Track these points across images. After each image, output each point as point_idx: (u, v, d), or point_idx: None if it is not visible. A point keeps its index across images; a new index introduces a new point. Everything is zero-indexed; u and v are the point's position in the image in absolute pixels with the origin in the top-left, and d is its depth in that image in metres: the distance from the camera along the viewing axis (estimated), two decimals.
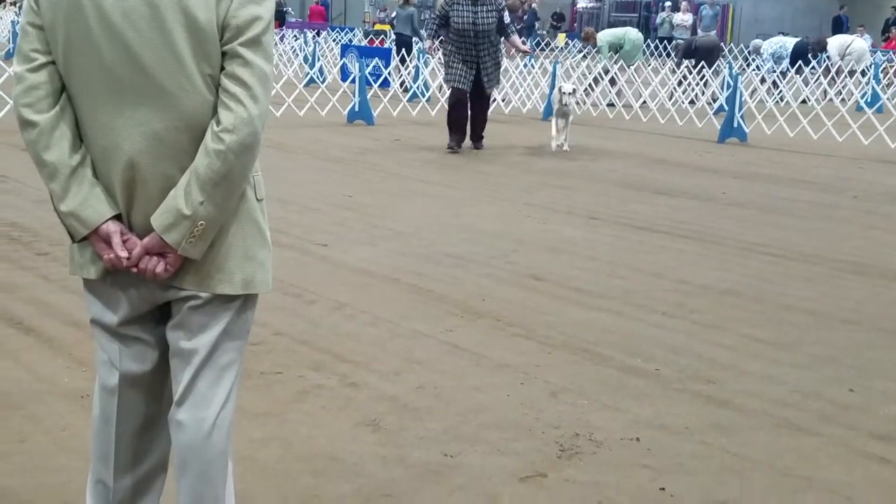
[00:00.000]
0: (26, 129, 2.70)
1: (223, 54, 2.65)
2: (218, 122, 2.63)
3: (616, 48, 20.68)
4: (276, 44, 24.99)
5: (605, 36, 21.33)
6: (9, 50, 23.86)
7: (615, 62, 20.25)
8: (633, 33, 21.18)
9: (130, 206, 2.72)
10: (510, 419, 4.60)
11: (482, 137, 13.88)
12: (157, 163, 2.67)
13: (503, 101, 19.11)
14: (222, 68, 2.65)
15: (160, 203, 2.69)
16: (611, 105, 19.25)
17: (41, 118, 2.67)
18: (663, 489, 3.98)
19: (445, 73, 13.67)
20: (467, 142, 13.77)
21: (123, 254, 2.70)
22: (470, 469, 4.08)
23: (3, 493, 3.70)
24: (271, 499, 3.75)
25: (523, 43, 20.21)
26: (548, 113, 18.11)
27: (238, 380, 2.96)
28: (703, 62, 20.71)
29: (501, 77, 19.61)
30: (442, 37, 13.90)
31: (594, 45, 21.62)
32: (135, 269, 2.72)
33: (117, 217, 2.72)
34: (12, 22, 26.15)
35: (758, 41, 24.48)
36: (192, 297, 2.80)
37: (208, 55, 2.63)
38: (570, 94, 13.67)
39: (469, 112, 13.58)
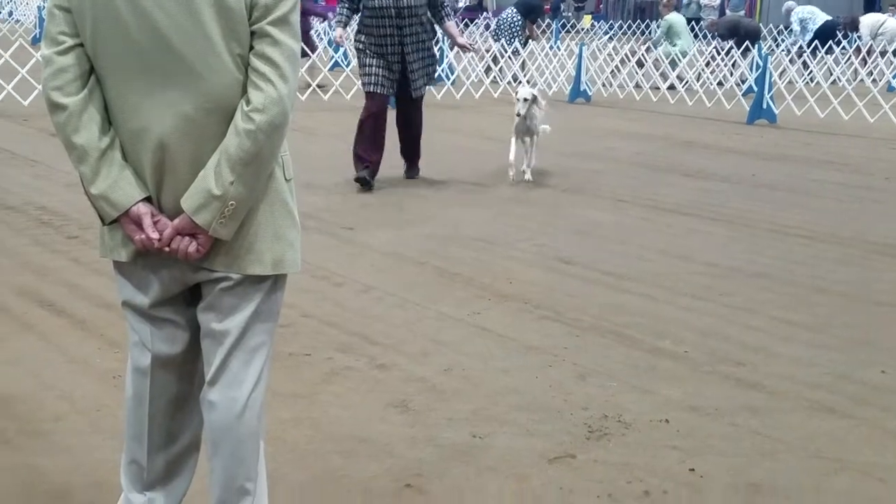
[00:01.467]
0: (55, 113, 2.70)
1: (252, 34, 2.65)
2: (248, 102, 2.64)
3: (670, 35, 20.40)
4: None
5: (676, 19, 20.82)
6: (35, 35, 24.00)
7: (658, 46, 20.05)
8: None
9: (160, 187, 2.73)
10: (538, 401, 4.60)
11: (417, 160, 10.10)
12: (187, 144, 2.68)
13: (528, 83, 19.04)
14: (251, 48, 2.66)
15: (190, 184, 2.70)
16: (638, 87, 19.14)
17: (70, 101, 2.68)
18: (693, 470, 3.97)
19: (360, 73, 9.67)
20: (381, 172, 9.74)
21: (154, 235, 2.71)
22: (499, 450, 4.09)
23: (39, 472, 3.73)
24: (301, 479, 3.77)
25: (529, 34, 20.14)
26: (574, 95, 18.04)
27: (269, 361, 2.97)
28: (746, 42, 20.50)
29: (527, 59, 19.65)
30: (350, 21, 10.05)
31: (666, 12, 21.13)
32: (166, 251, 2.73)
33: (147, 199, 2.73)
34: (38, 7, 26.28)
35: (791, 3, 24.09)
36: (223, 279, 2.80)
37: (237, 35, 2.63)
38: (528, 101, 9.76)
39: (397, 127, 9.89)
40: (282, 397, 4.45)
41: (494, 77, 18.98)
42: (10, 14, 32.41)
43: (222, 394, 2.89)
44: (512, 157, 9.85)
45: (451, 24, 9.94)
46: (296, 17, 2.69)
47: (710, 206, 9.26)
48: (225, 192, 2.65)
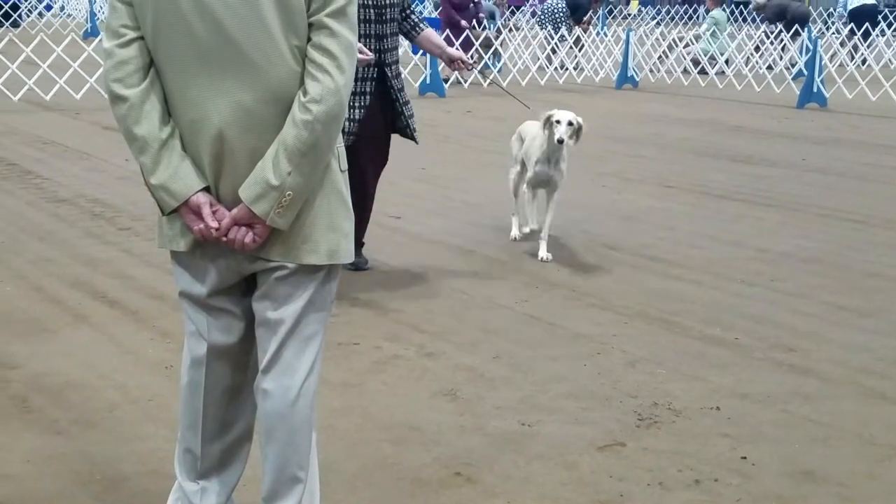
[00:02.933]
0: (116, 104, 2.73)
1: (309, 25, 2.66)
2: (305, 93, 2.65)
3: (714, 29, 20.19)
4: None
5: (721, 16, 20.56)
6: (87, 29, 24.26)
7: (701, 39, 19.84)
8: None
9: (218, 177, 2.75)
10: (587, 388, 4.59)
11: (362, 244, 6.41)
12: (245, 135, 2.70)
13: (575, 69, 18.94)
14: (309, 39, 2.67)
15: (248, 175, 2.71)
16: (685, 72, 18.98)
17: (131, 93, 2.71)
18: (745, 458, 3.94)
19: None
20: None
21: (214, 224, 2.73)
22: (547, 438, 4.08)
23: (93, 461, 3.78)
24: (352, 467, 3.79)
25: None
26: (622, 81, 17.92)
27: (322, 350, 2.98)
28: (796, 26, 20.23)
29: (573, 46, 19.54)
30: None
31: (712, 6, 20.92)
32: (224, 240, 2.76)
33: (206, 189, 2.75)
34: (90, 1, 26.56)
35: None
36: (279, 268, 2.82)
37: (295, 26, 2.64)
38: (573, 125, 6.56)
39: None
40: (331, 386, 4.47)
41: (541, 64, 18.88)
42: (62, 9, 32.80)
43: (276, 382, 2.91)
44: (525, 210, 7.25)
45: (430, 31, 6.57)
46: (353, 9, 2.70)
47: (759, 192, 9.17)
48: (282, 182, 2.67)
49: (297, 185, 2.68)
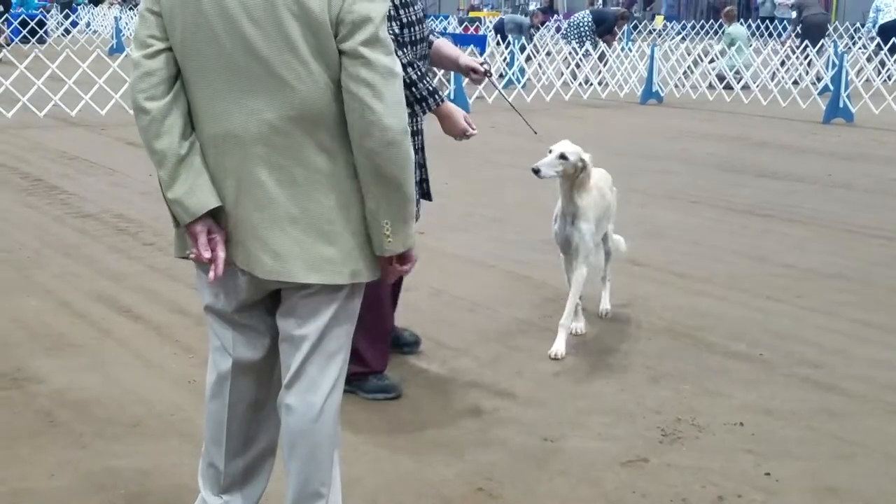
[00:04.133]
0: (139, 116, 2.75)
1: (342, 52, 2.64)
2: (352, 129, 2.67)
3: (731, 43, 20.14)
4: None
5: (738, 32, 20.50)
6: (112, 46, 24.46)
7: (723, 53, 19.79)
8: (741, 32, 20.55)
9: (239, 194, 2.74)
10: (610, 404, 4.56)
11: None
12: (272, 153, 2.69)
13: (600, 84, 18.93)
14: (345, 68, 2.64)
15: (270, 193, 2.71)
16: (711, 87, 18.92)
17: (154, 105, 2.72)
18: (769, 474, 3.91)
19: None
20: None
21: (206, 254, 2.76)
22: (571, 454, 4.06)
23: (116, 475, 3.79)
24: (374, 482, 3.78)
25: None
26: (646, 97, 17.89)
27: (345, 365, 2.98)
28: (822, 41, 20.16)
29: (598, 61, 19.53)
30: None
31: (728, 24, 20.90)
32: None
33: (216, 211, 2.75)
34: (115, 18, 26.79)
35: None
36: (304, 287, 2.82)
37: (323, 47, 2.63)
38: (566, 159, 5.13)
39: None
40: (354, 401, 4.47)
41: (566, 79, 18.88)
42: (88, 25, 33.11)
43: (299, 398, 2.91)
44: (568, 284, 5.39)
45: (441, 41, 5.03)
46: (384, 32, 2.67)
47: (785, 207, 9.12)
48: (373, 216, 2.73)
49: (388, 212, 2.73)
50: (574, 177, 5.13)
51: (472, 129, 4.61)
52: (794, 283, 6.59)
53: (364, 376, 4.51)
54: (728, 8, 21.71)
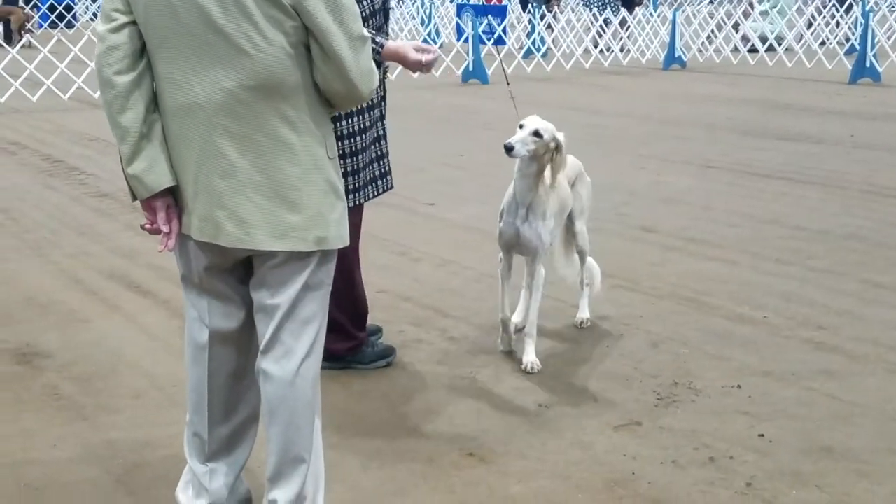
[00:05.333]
0: (105, 90, 2.80)
1: (298, 13, 2.66)
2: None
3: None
4: (393, 8, 25.14)
5: None
6: None
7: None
8: None
9: (202, 162, 2.77)
10: (608, 369, 4.58)
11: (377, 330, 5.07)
12: (234, 122, 2.73)
13: (621, 51, 18.80)
14: (308, 32, 2.70)
15: (234, 163, 2.74)
16: (735, 50, 18.75)
17: (119, 80, 2.76)
18: (762, 435, 3.91)
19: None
20: None
21: (165, 228, 2.85)
22: (563, 419, 4.09)
23: (115, 446, 3.86)
24: (366, 448, 3.82)
25: None
26: (669, 62, 17.75)
27: (322, 330, 3.01)
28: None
29: (619, 28, 19.37)
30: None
31: None
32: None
33: (171, 189, 2.82)
34: None
35: None
36: (272, 256, 2.86)
37: (277, 18, 2.66)
38: (540, 137, 4.43)
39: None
40: (352, 370, 4.52)
41: (587, 47, 18.77)
42: None
43: (275, 364, 2.96)
44: (501, 297, 4.75)
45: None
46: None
47: (803, 169, 9.06)
48: None
49: None
50: (544, 159, 4.46)
51: (427, 56, 4.02)
52: (806, 245, 6.56)
53: (356, 349, 4.54)
54: None
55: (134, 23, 2.76)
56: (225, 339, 3.07)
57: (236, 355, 3.11)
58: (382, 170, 4.39)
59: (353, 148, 4.18)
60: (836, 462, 3.72)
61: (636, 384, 4.41)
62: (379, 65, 3.93)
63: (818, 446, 3.84)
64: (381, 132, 4.35)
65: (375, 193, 4.35)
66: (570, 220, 4.94)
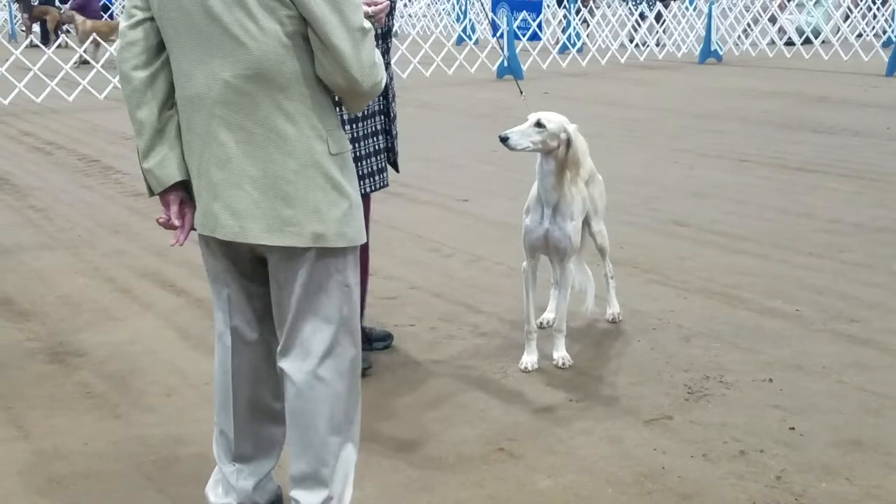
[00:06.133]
0: (123, 85, 2.85)
1: (293, 2, 2.63)
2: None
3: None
4: (430, 3, 25.16)
5: None
6: None
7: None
8: None
9: (204, 152, 2.78)
10: (639, 364, 4.57)
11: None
12: (232, 113, 2.72)
13: (657, 45, 18.70)
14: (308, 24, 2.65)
15: (233, 154, 2.73)
16: (771, 43, 18.60)
17: (136, 75, 2.81)
18: (793, 429, 3.89)
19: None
20: None
21: (177, 222, 2.91)
22: (594, 413, 4.08)
23: (147, 444, 3.89)
24: (396, 443, 3.84)
25: None
26: (705, 56, 17.63)
27: (346, 331, 2.94)
28: None
29: (655, 22, 19.28)
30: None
31: None
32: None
33: (184, 183, 2.86)
34: None
35: None
36: (275, 251, 2.82)
37: (271, 7, 2.63)
38: (543, 128, 4.30)
39: None
40: (383, 367, 4.53)
41: (622, 42, 18.70)
42: None
43: (291, 363, 2.93)
44: (527, 306, 4.62)
45: None
46: None
47: (837, 162, 8.98)
48: None
49: None
50: (559, 155, 4.30)
51: (374, 7, 3.77)
52: (838, 239, 6.51)
53: None
54: None
55: (151, 19, 2.79)
56: (246, 338, 3.06)
57: (259, 355, 3.09)
58: (378, 166, 4.29)
59: (354, 135, 4.13)
60: (865, 455, 3.69)
61: (667, 378, 4.40)
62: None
63: (848, 439, 3.81)
64: (378, 126, 4.26)
65: (372, 188, 4.25)
66: (587, 221, 4.82)
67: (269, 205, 2.75)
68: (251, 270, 2.98)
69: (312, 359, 2.92)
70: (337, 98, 2.85)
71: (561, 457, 3.73)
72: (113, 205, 7.92)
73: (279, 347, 2.97)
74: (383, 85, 2.80)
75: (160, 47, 2.81)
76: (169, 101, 2.83)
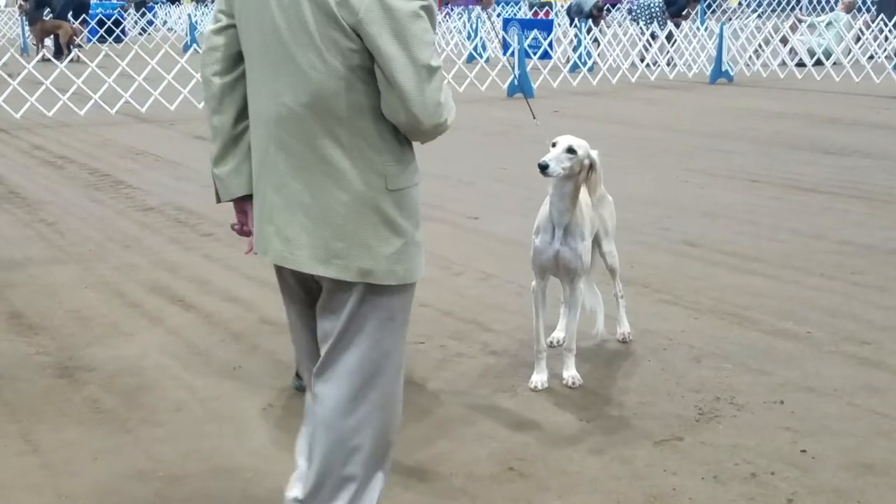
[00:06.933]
0: (204, 87, 2.91)
1: (360, 36, 2.57)
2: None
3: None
4: (440, 22, 25.23)
5: (843, 18, 20.07)
6: (186, 43, 24.85)
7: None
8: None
9: (261, 174, 2.79)
10: (649, 384, 4.55)
11: None
12: (290, 138, 2.69)
13: (668, 65, 18.72)
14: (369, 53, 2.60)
15: (285, 178, 2.71)
16: (782, 64, 18.60)
17: (215, 81, 2.86)
18: (804, 451, 3.87)
19: None
20: None
21: (248, 228, 2.98)
22: (605, 433, 4.06)
23: (156, 459, 3.89)
24: (408, 463, 3.81)
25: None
26: (716, 76, 17.64)
27: (388, 368, 2.86)
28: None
29: (666, 42, 19.30)
30: None
31: (843, 10, 20.54)
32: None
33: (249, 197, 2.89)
34: (189, 16, 27.22)
35: None
36: (323, 280, 2.80)
37: (334, 38, 2.58)
38: (574, 154, 4.37)
39: None
40: None
41: (633, 62, 18.71)
42: (164, 23, 33.74)
43: (324, 388, 2.88)
44: (536, 327, 4.62)
45: None
46: (413, 26, 2.55)
47: (849, 184, 8.95)
48: None
49: None
50: (580, 178, 4.37)
51: None
52: (850, 260, 6.48)
53: None
54: (849, 0, 21.16)
55: (234, 26, 2.82)
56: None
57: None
58: None
59: None
60: (877, 478, 3.67)
61: (678, 399, 4.38)
62: None
63: (860, 462, 3.79)
64: None
65: None
66: (597, 241, 4.82)
67: (319, 234, 2.71)
68: (307, 292, 2.95)
69: (345, 390, 2.84)
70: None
71: (571, 477, 3.72)
72: (123, 219, 7.93)
73: (317, 366, 2.90)
74: (448, 125, 2.72)
75: (240, 55, 2.83)
76: (245, 111, 2.85)
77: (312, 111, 2.65)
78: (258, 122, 2.76)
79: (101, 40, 25.63)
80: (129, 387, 4.60)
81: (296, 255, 2.76)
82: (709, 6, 33.65)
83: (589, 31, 19.41)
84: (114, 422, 4.24)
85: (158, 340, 5.21)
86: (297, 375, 4.44)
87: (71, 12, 24.85)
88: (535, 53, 17.76)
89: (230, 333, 5.29)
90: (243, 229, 3.01)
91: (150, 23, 31.90)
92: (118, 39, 26.45)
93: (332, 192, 2.68)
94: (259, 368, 4.80)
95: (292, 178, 2.72)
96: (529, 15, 29.09)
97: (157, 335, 5.29)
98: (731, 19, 24.67)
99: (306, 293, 2.94)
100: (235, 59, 2.81)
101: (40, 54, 21.35)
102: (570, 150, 4.30)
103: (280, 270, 2.94)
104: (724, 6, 35.21)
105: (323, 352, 2.89)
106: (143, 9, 32.60)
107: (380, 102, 2.65)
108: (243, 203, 2.93)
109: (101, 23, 27.19)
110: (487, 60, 19.41)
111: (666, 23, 19.73)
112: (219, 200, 2.95)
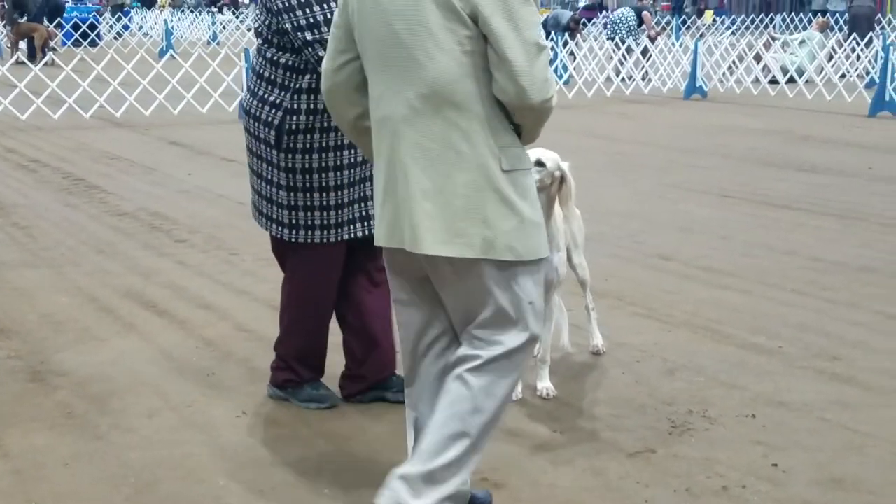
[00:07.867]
0: (338, 123, 3.41)
1: (475, 21, 2.84)
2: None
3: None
4: None
5: (817, 38, 20.32)
6: (161, 48, 24.76)
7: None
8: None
9: (389, 173, 3.01)
10: (622, 396, 4.57)
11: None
12: (413, 132, 2.94)
13: (643, 80, 18.84)
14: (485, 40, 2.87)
15: (413, 172, 2.93)
16: (756, 81, 18.75)
17: (346, 116, 3.27)
18: (776, 465, 3.89)
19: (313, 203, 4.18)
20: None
21: None
22: (578, 445, 4.08)
23: (128, 465, 3.87)
24: (380, 470, 3.79)
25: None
26: (690, 92, 17.77)
27: (518, 347, 3.11)
28: (870, 34, 20.00)
29: (641, 57, 19.44)
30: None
31: (816, 30, 20.81)
32: None
33: None
34: (165, 21, 27.14)
35: None
36: (443, 263, 3.01)
37: (452, 28, 2.85)
38: (561, 172, 4.42)
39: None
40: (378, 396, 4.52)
41: (608, 76, 18.81)
42: (140, 28, 33.63)
43: (463, 367, 3.10)
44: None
45: None
46: (519, 9, 2.84)
47: (821, 201, 9.03)
48: None
49: None
50: (551, 191, 4.33)
51: None
52: (821, 277, 6.54)
53: (298, 385, 4.39)
54: (823, 20, 21.54)
55: (355, 59, 3.07)
56: (427, 351, 3.28)
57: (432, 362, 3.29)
58: (364, 212, 4.18)
59: (339, 182, 4.09)
60: (847, 493, 3.70)
61: (650, 411, 4.40)
62: None
63: (830, 477, 3.82)
64: (367, 174, 4.14)
65: (354, 235, 4.17)
66: (567, 255, 4.82)
67: (441, 216, 2.93)
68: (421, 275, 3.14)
69: (485, 367, 3.08)
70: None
71: (544, 488, 3.73)
72: (97, 224, 7.89)
73: (454, 358, 3.15)
74: (553, 103, 2.94)
75: (363, 85, 3.08)
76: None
77: (431, 101, 2.92)
78: (381, 127, 3.02)
79: (77, 44, 25.51)
80: (102, 392, 4.58)
81: (420, 239, 2.96)
82: (684, 22, 33.90)
83: (565, 44, 19.50)
84: (85, 427, 4.22)
85: (131, 346, 5.19)
86: (272, 383, 4.45)
87: (46, 15, 24.72)
88: None
89: (204, 340, 5.27)
90: None
91: (126, 27, 31.77)
92: (93, 43, 26.33)
93: (453, 175, 2.92)
94: (233, 375, 4.78)
95: (415, 168, 2.95)
96: None
97: (130, 341, 5.26)
98: (704, 36, 24.85)
99: (420, 276, 3.13)
100: (360, 90, 3.10)
101: (14, 57, 21.21)
102: (539, 163, 4.24)
103: (393, 258, 3.14)
104: (699, 23, 35.49)
105: (460, 337, 3.15)
106: (119, 13, 32.48)
107: (491, 90, 2.91)
108: None
109: (76, 26, 27.05)
110: None
111: (641, 38, 19.86)
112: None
